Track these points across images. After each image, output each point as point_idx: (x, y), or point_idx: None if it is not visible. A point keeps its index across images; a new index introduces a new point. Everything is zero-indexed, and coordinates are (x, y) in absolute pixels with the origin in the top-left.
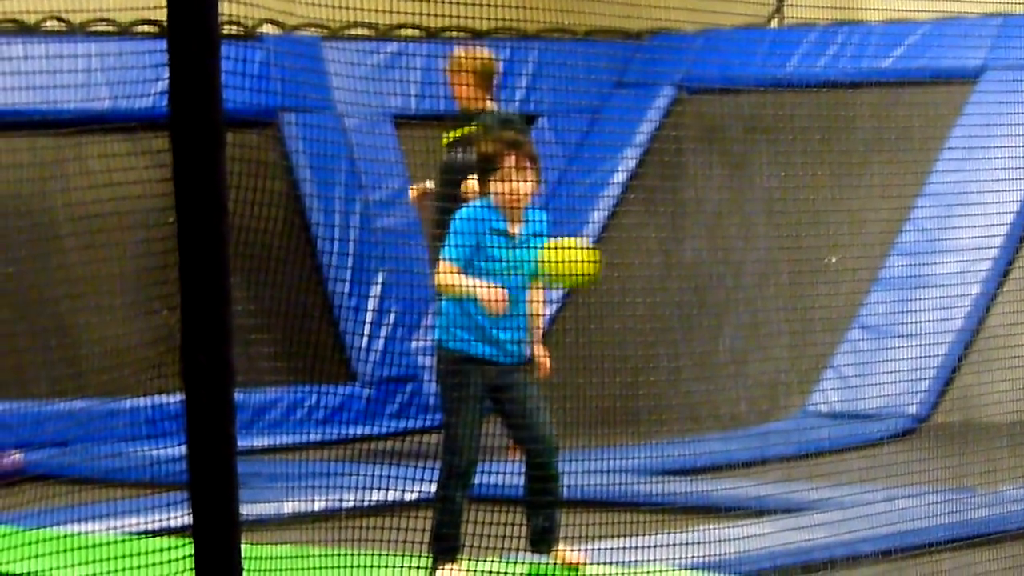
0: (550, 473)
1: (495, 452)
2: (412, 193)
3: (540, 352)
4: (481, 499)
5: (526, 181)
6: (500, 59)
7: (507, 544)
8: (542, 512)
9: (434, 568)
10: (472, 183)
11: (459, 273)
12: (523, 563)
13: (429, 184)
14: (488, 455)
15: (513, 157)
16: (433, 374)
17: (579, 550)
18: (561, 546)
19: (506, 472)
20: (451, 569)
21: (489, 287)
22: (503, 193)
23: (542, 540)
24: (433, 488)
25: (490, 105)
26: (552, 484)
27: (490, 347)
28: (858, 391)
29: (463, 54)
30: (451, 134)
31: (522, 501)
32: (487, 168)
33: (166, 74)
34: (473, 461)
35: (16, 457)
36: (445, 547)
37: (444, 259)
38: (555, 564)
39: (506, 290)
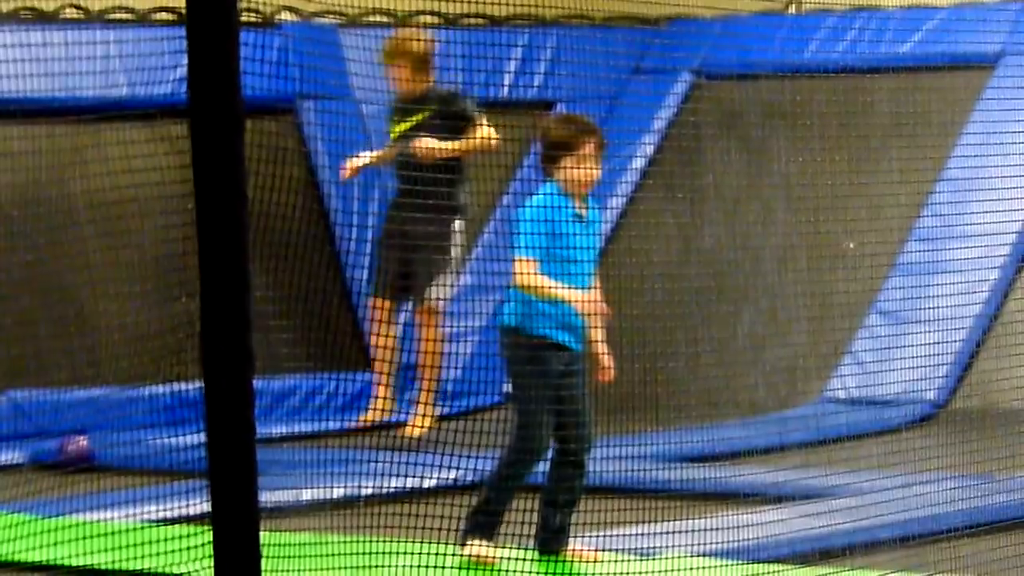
0: (581, 470)
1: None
2: (344, 172)
3: (604, 352)
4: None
5: (598, 167)
6: (435, 41)
7: (526, 531)
8: (561, 510)
9: (466, 540)
10: (428, 142)
11: (537, 267)
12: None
13: (362, 159)
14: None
15: (591, 142)
16: (503, 357)
17: (589, 547)
18: (572, 544)
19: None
20: (484, 545)
21: (571, 290)
22: (576, 179)
23: (555, 540)
24: (492, 465)
25: (429, 87)
26: (580, 482)
27: (566, 332)
28: (876, 377)
29: (396, 38)
30: (400, 126)
31: (546, 499)
32: (559, 151)
33: (185, 61)
34: (545, 447)
35: (82, 443)
36: (486, 523)
37: (521, 256)
38: (569, 561)
39: (585, 290)
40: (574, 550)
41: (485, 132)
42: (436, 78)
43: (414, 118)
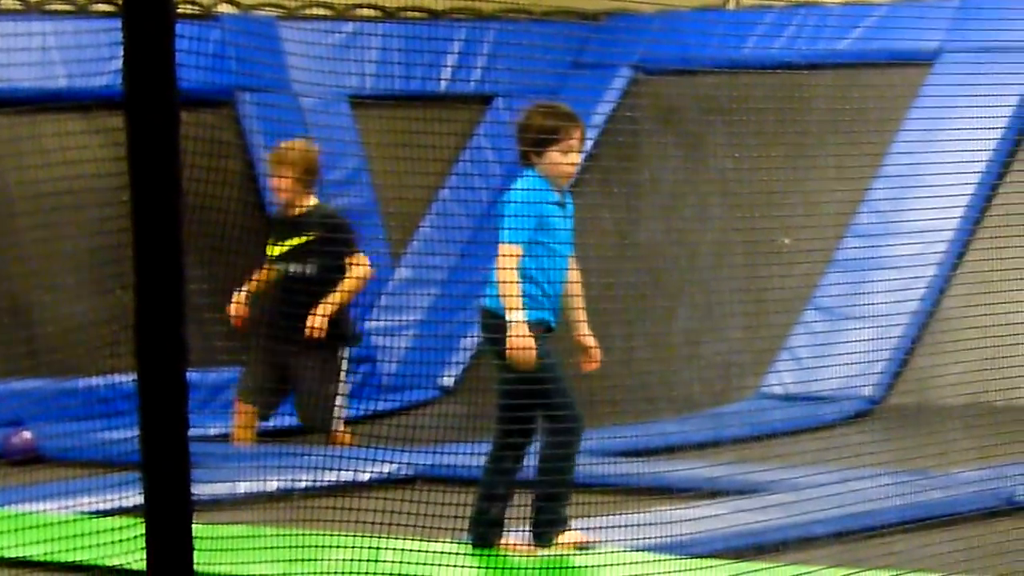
0: (573, 451)
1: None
2: (236, 320)
3: (590, 341)
4: (435, 480)
5: (579, 156)
6: (320, 153)
7: (461, 525)
8: (555, 500)
9: (487, 542)
10: (316, 321)
11: (520, 253)
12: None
13: (244, 294)
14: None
15: (575, 132)
16: (483, 339)
17: (581, 528)
18: (565, 532)
19: (460, 453)
20: (507, 544)
21: (520, 313)
22: (560, 168)
23: (550, 530)
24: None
25: (313, 200)
26: (572, 464)
27: (546, 314)
28: (812, 373)
29: (286, 146)
30: (281, 245)
31: (540, 490)
32: (545, 140)
33: (121, 53)
34: (533, 428)
35: (26, 436)
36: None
37: (506, 241)
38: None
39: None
40: (566, 534)
41: (363, 270)
42: (319, 189)
43: (296, 240)
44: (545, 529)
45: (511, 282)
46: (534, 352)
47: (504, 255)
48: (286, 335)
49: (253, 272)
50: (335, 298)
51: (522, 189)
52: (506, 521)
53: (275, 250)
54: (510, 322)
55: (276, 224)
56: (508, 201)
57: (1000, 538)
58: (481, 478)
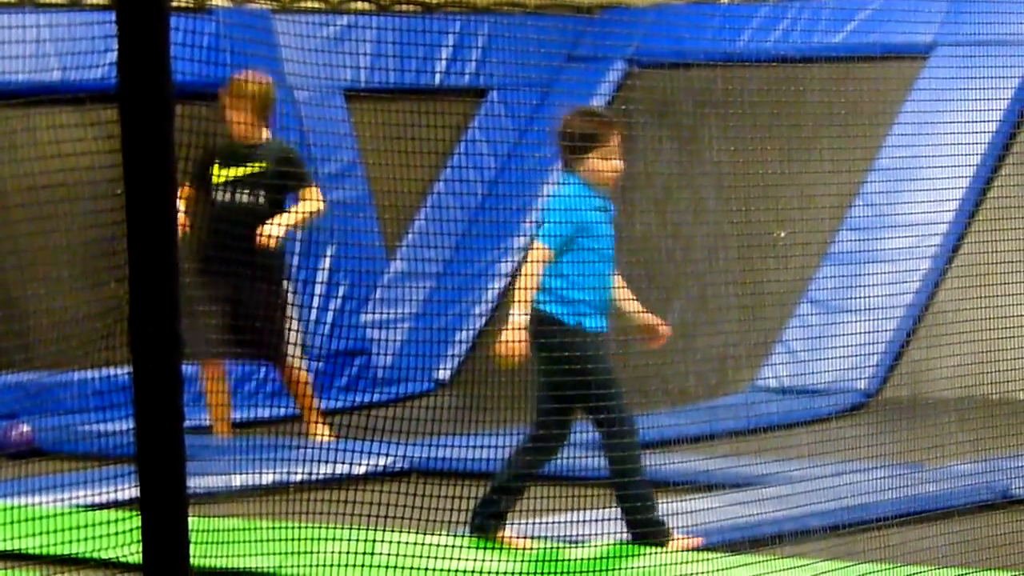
0: (635, 453)
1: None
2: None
3: (651, 319)
4: (430, 473)
5: (622, 160)
6: (277, 87)
7: (456, 518)
8: (642, 504)
9: (486, 532)
10: (269, 230)
11: (549, 257)
12: (471, 537)
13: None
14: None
15: (615, 135)
16: (534, 346)
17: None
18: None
19: (455, 446)
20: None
21: (519, 318)
22: (603, 172)
23: (649, 530)
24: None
25: (266, 135)
26: (639, 465)
27: (595, 317)
28: (807, 366)
29: (241, 79)
30: (227, 172)
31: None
32: (585, 145)
33: (115, 46)
34: (567, 435)
35: (24, 430)
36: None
37: (539, 241)
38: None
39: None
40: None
41: (315, 203)
42: (273, 127)
43: (246, 168)
44: (642, 530)
45: (530, 276)
46: (521, 351)
47: (533, 251)
48: (230, 267)
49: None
50: (286, 219)
51: (563, 195)
52: (509, 515)
53: (220, 177)
54: (511, 316)
55: (224, 153)
56: (549, 207)
57: (995, 531)
58: (501, 469)
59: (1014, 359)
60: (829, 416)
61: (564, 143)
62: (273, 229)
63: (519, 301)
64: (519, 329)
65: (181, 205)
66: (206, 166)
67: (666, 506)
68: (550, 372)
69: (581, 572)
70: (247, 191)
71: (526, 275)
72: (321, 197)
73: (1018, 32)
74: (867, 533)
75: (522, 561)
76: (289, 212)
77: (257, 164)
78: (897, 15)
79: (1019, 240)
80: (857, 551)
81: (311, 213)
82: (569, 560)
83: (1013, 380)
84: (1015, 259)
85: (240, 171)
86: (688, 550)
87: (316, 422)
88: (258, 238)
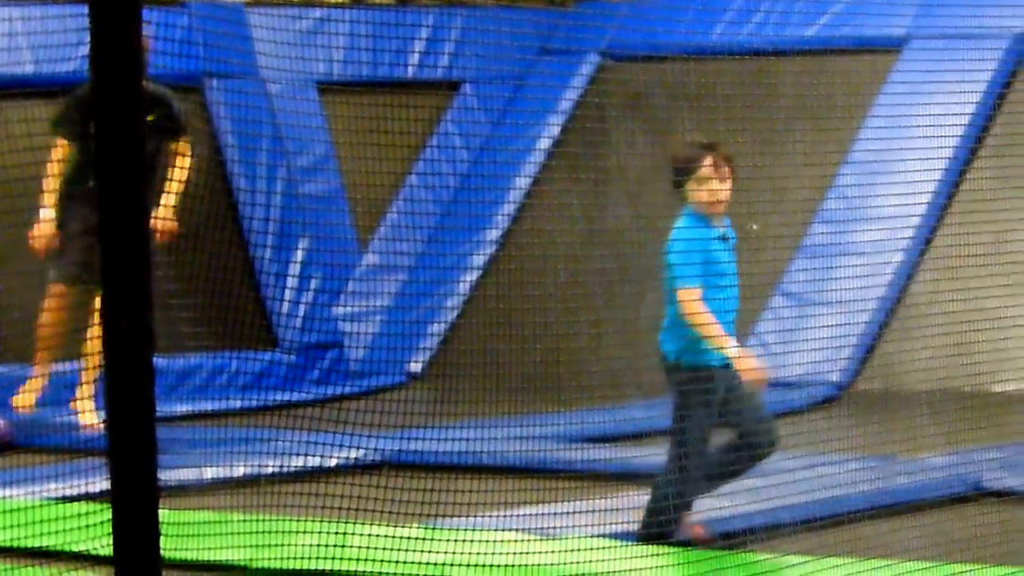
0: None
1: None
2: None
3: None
4: (402, 466)
5: (724, 182)
6: (152, 32)
7: (428, 511)
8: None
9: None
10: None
11: (700, 295)
12: (444, 530)
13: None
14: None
15: (709, 160)
16: (669, 388)
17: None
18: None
19: (427, 439)
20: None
21: (728, 339)
22: (705, 200)
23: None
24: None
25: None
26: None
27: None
28: (780, 359)
29: None
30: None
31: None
32: (682, 175)
33: (88, 39)
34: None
35: (0, 425)
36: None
37: (684, 286)
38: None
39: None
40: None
41: (187, 160)
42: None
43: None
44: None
45: (706, 323)
46: (763, 368)
47: (685, 300)
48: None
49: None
50: (171, 199)
51: (683, 231)
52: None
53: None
54: (728, 352)
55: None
56: (673, 245)
57: (967, 524)
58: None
59: (986, 352)
60: (802, 409)
61: (672, 177)
62: (164, 223)
63: (720, 347)
64: (747, 354)
65: (56, 163)
66: (84, 118)
67: (634, 499)
68: (682, 416)
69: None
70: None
71: (700, 324)
72: (189, 153)
73: (990, 26)
74: (839, 526)
75: (494, 555)
76: (167, 189)
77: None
78: (870, 8)
79: (991, 233)
80: (829, 544)
81: (185, 172)
82: (543, 552)
83: (985, 372)
84: (987, 252)
85: None
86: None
87: (87, 399)
88: (159, 228)
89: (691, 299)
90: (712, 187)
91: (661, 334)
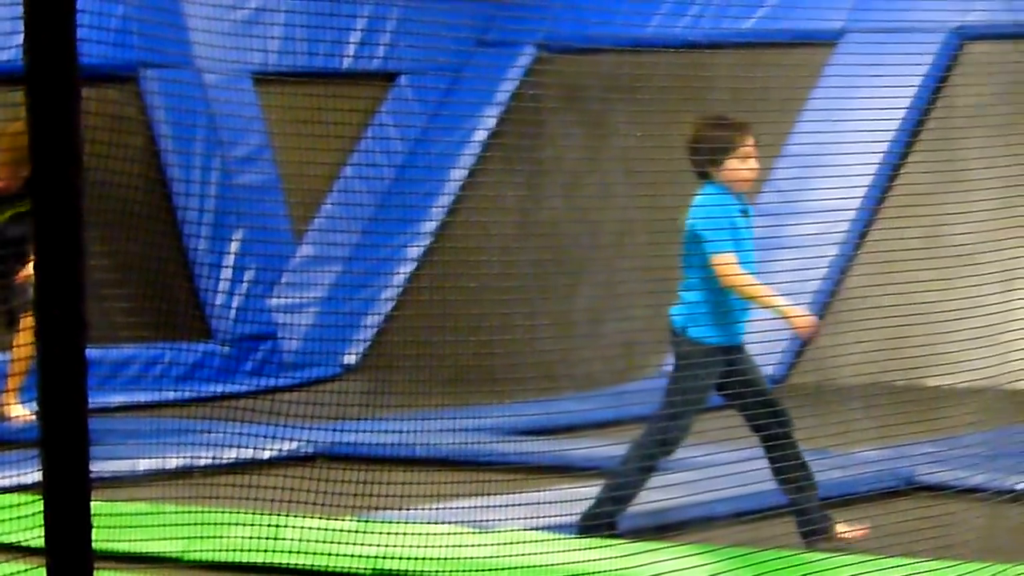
0: (793, 441)
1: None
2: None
3: (794, 310)
4: (336, 458)
5: (756, 162)
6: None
7: (362, 503)
8: (803, 496)
9: (591, 527)
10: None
11: (737, 261)
12: (377, 522)
13: None
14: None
15: (749, 140)
16: (672, 361)
17: (855, 525)
18: (838, 526)
19: (361, 431)
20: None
21: (781, 299)
22: (741, 173)
23: (812, 528)
24: (616, 458)
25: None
26: (799, 454)
27: (730, 330)
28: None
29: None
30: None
31: (787, 499)
32: (722, 153)
33: (23, 28)
34: (678, 446)
35: None
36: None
37: (718, 252)
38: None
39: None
40: (840, 527)
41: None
42: None
43: (14, 209)
44: (813, 527)
45: (749, 283)
46: (812, 320)
47: (723, 265)
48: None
49: None
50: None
51: (709, 204)
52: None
53: None
54: (776, 305)
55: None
56: (699, 215)
57: (900, 518)
58: (618, 469)
59: (920, 346)
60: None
61: (698, 153)
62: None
63: (769, 305)
64: (797, 310)
65: None
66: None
67: (569, 491)
68: (675, 387)
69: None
70: (19, 224)
71: (744, 285)
72: None
73: (926, 20)
74: (773, 519)
75: (428, 547)
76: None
77: (22, 205)
78: (806, 2)
79: (926, 227)
80: (763, 537)
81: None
82: (471, 545)
83: (919, 367)
84: (922, 246)
85: (10, 212)
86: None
87: (15, 390)
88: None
89: (730, 262)
90: (753, 164)
91: (674, 307)
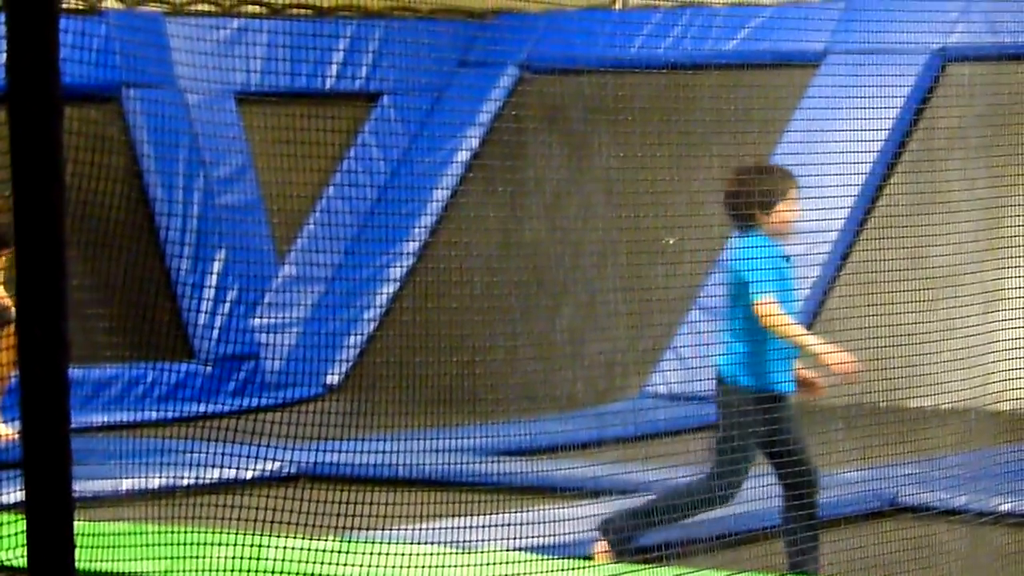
0: (814, 510)
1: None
2: None
3: (832, 358)
4: (318, 478)
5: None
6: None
7: (344, 523)
8: (804, 560)
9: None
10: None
11: (779, 306)
12: (359, 542)
13: None
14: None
15: (795, 188)
16: (718, 410)
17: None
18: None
19: (343, 451)
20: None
21: (822, 344)
22: (787, 225)
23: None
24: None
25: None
26: (815, 517)
27: (781, 379)
28: (696, 373)
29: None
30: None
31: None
32: (772, 200)
33: (4, 47)
34: (728, 501)
35: None
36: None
37: (764, 298)
38: None
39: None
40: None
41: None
42: None
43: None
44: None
45: (790, 324)
46: (853, 364)
47: (766, 311)
48: None
49: None
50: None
51: (752, 249)
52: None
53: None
54: (817, 350)
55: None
56: (742, 262)
57: (882, 539)
58: (664, 495)
59: (902, 367)
60: (717, 423)
61: (746, 201)
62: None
63: (806, 347)
64: (835, 354)
65: None
66: None
67: (554, 512)
68: (726, 436)
69: None
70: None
71: (785, 327)
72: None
73: (908, 41)
74: (754, 542)
75: (410, 567)
76: None
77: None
78: (789, 23)
79: (908, 248)
80: (743, 559)
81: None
82: (459, 565)
83: (901, 388)
84: (904, 267)
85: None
86: None
87: None
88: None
89: (772, 305)
90: (798, 212)
91: (721, 357)
